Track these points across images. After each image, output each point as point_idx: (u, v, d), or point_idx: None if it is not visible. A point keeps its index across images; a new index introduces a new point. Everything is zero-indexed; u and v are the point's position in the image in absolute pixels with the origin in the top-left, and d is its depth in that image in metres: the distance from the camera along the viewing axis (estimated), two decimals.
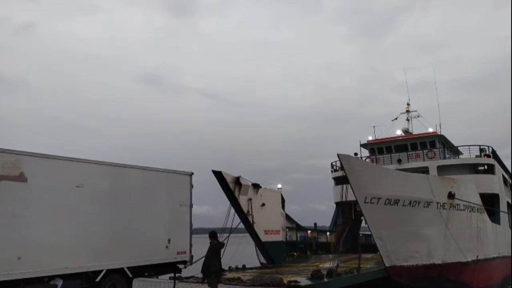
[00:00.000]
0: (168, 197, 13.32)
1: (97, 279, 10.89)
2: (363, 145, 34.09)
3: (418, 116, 35.42)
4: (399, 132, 34.48)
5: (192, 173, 14.42)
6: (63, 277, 10.18)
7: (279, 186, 27.82)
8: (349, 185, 19.31)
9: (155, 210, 12.76)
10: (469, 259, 22.62)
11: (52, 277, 10.02)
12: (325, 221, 37.51)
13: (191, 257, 13.90)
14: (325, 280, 16.76)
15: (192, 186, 14.29)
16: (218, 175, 22.16)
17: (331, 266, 18.46)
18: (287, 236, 28.48)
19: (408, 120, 35.74)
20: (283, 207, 27.02)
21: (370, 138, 34.30)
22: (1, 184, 9.25)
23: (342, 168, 20.56)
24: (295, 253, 28.01)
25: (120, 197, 11.88)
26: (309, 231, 32.50)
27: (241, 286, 16.11)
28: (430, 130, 32.55)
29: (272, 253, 23.82)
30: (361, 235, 33.69)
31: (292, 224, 30.10)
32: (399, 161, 31.03)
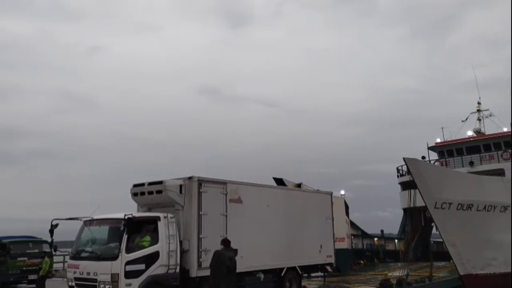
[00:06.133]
0: (318, 213, 16.16)
1: (282, 274, 13.91)
2: (431, 148, 32.81)
3: (490, 116, 33.79)
4: (470, 133, 32.99)
5: (332, 193, 17.89)
6: (263, 272, 13.15)
7: (342, 192, 27.07)
8: (417, 190, 18.40)
9: (311, 222, 15.62)
10: None
11: (257, 272, 12.97)
12: (390, 228, 36.10)
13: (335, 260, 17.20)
14: None
15: (332, 203, 17.33)
16: (280, 182, 21.94)
17: (400, 275, 17.79)
18: (353, 244, 27.82)
19: (479, 120, 34.09)
20: (347, 214, 26.28)
21: (438, 140, 32.99)
22: (230, 205, 12.36)
23: (409, 172, 19.65)
24: (361, 261, 27.34)
25: (291, 213, 14.74)
26: (375, 239, 31.68)
27: None
28: (505, 129, 30.89)
29: (337, 261, 23.06)
30: (432, 242, 32.30)
31: (358, 232, 29.45)
32: (471, 163, 29.47)
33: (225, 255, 9.53)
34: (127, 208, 11.76)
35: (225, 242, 9.75)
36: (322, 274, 17.74)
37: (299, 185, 22.33)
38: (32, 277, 19.35)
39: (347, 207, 26.29)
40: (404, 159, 18.79)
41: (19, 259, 19.70)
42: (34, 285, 19.39)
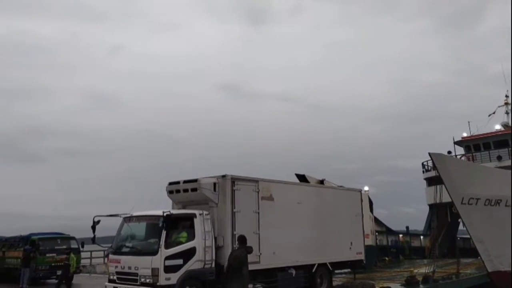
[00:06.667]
0: (348, 210, 16.56)
1: (313, 270, 14.40)
2: (457, 143, 32.74)
3: None
4: (498, 127, 32.81)
5: (361, 190, 18.29)
6: (295, 268, 13.68)
7: (366, 188, 27.39)
8: (443, 186, 18.61)
9: (341, 219, 15.94)
10: None
11: (289, 267, 13.51)
12: (415, 224, 36.31)
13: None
14: (421, 286, 16.38)
15: (362, 200, 17.69)
16: (302, 178, 22.31)
17: (427, 271, 17.81)
18: (377, 240, 27.99)
19: (507, 113, 33.87)
20: (371, 210, 26.57)
21: (464, 134, 32.88)
22: (262, 202, 12.95)
23: (434, 167, 19.89)
24: (386, 258, 27.44)
25: (321, 210, 15.22)
26: (400, 235, 31.76)
27: None
28: None
29: None
30: (458, 238, 32.23)
31: (382, 228, 29.60)
32: (499, 158, 29.39)
33: (232, 254, 10.09)
34: (154, 204, 12.64)
35: (240, 240, 10.20)
36: (347, 271, 18.27)
37: (322, 181, 22.76)
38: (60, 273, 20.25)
39: (371, 203, 26.59)
40: (430, 154, 18.99)
41: (48, 255, 20.51)
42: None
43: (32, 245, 20.95)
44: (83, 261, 24.83)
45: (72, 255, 17.59)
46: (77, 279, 21.48)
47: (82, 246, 22.85)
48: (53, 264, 20.65)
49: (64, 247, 21.15)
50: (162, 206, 12.76)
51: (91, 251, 31.23)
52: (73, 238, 22.46)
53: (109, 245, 12.40)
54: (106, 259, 23.44)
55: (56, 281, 18.98)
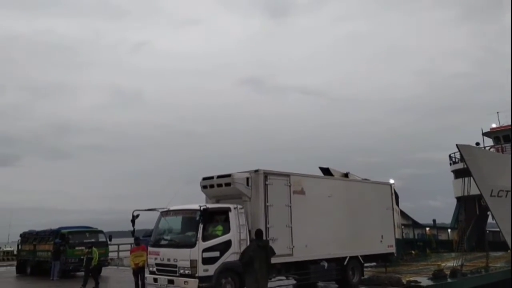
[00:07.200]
0: (378, 203, 17.10)
1: (345, 263, 14.91)
2: (485, 134, 32.73)
3: None
4: None
5: (391, 183, 18.87)
6: (327, 260, 14.27)
7: (392, 181, 27.68)
8: (471, 178, 18.85)
9: (372, 213, 16.50)
10: None
11: (321, 260, 14.12)
12: (442, 217, 36.50)
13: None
14: (449, 280, 16.56)
15: (392, 194, 18.30)
16: (326, 171, 22.78)
17: (454, 265, 18.01)
18: (403, 234, 28.31)
19: None
20: (397, 203, 26.87)
21: (493, 125, 32.80)
22: (294, 196, 13.51)
23: (462, 159, 20.09)
24: (412, 252, 27.73)
25: (352, 203, 15.70)
26: (427, 228, 31.93)
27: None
28: None
29: None
30: (488, 231, 32.30)
31: (408, 221, 29.85)
32: None
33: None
34: (179, 200, 13.12)
35: (256, 233, 10.65)
36: (373, 264, 18.86)
37: (346, 175, 23.19)
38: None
39: (397, 197, 26.87)
40: (457, 145, 19.20)
41: (77, 248, 21.46)
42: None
43: (62, 238, 22.03)
44: (110, 254, 25.83)
45: (94, 248, 18.27)
46: (105, 271, 22.57)
47: (110, 240, 23.97)
48: (82, 257, 21.65)
49: (93, 240, 22.11)
50: (187, 200, 13.56)
51: (118, 244, 32.55)
52: (101, 231, 23.49)
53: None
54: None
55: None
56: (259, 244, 10.22)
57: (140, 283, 13.85)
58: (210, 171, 13.28)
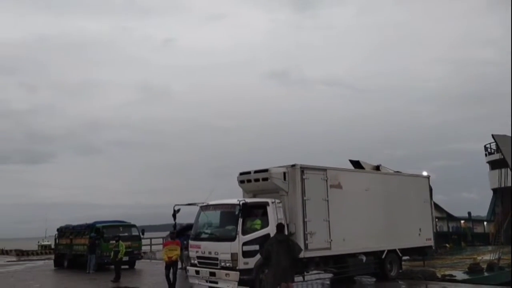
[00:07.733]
0: (416, 196, 17.35)
1: (383, 256, 15.34)
2: None
3: None
4: None
5: (429, 176, 18.97)
6: (365, 254, 14.73)
7: (425, 173, 27.90)
8: (508, 169, 19.03)
9: (410, 206, 16.77)
10: None
11: (359, 254, 14.59)
12: (477, 210, 36.45)
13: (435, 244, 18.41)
14: (485, 274, 16.89)
15: (430, 187, 18.49)
16: (356, 164, 23.11)
17: (491, 258, 18.39)
18: (437, 227, 28.50)
19: None
20: (430, 196, 27.11)
21: None
22: (331, 190, 13.92)
23: (498, 150, 20.28)
24: (447, 245, 27.97)
25: (389, 197, 16.03)
26: (462, 221, 31.96)
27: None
28: None
29: None
30: None
31: (442, 214, 29.98)
32: None
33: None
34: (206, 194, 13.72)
35: (278, 227, 11.14)
36: (406, 258, 18.77)
37: (377, 167, 23.38)
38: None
39: (430, 189, 27.14)
40: (493, 136, 19.43)
41: (111, 242, 22.47)
42: (127, 266, 22.45)
43: (97, 232, 23.19)
44: (143, 248, 26.99)
45: (120, 241, 19.13)
46: (138, 264, 23.74)
47: (143, 234, 25.05)
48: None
49: (126, 234, 23.19)
50: (219, 195, 14.07)
51: (150, 238, 33.91)
52: (134, 225, 24.56)
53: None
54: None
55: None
56: (278, 238, 10.68)
57: (171, 276, 14.37)
58: (239, 166, 13.93)
